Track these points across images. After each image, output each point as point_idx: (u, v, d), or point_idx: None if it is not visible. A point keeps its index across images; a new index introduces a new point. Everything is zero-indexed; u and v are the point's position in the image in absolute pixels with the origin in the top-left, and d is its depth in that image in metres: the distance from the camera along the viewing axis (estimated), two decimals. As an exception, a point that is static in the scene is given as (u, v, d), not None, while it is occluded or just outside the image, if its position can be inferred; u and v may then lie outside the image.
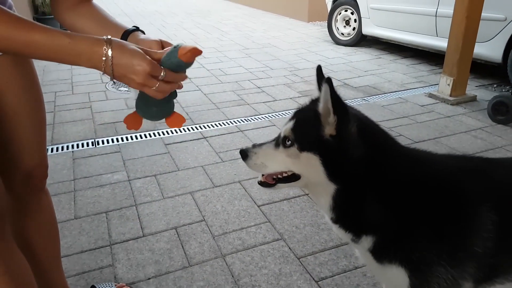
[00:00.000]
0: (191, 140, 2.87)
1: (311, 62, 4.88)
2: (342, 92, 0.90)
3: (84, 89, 3.90)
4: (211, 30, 6.95)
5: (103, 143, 2.82)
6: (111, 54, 0.78)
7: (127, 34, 0.99)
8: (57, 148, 2.74)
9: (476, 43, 3.50)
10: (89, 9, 1.02)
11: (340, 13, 5.68)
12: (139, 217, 2.03)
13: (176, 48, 0.84)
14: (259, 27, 7.19)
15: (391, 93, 3.84)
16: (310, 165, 0.92)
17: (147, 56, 0.81)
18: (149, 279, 1.65)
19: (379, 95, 3.79)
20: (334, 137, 0.89)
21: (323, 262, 1.73)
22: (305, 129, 0.94)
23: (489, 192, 0.96)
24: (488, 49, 3.86)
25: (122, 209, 2.10)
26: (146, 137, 2.90)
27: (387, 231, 0.95)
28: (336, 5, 5.70)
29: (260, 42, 5.99)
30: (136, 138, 2.88)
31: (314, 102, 0.96)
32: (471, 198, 0.95)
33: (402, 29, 4.81)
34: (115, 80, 0.82)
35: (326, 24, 5.99)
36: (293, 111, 1.03)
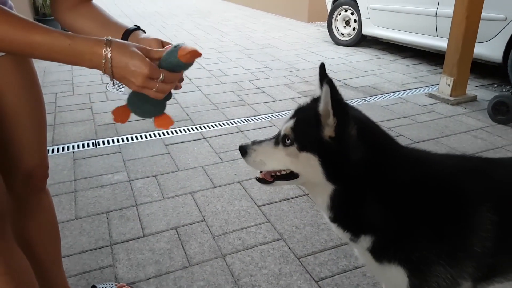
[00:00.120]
0: (191, 141, 2.87)
1: (311, 63, 4.89)
2: (342, 93, 0.90)
3: (84, 90, 3.91)
4: (211, 31, 6.95)
5: (103, 143, 2.83)
6: (111, 55, 0.78)
7: (128, 33, 0.99)
8: (58, 149, 2.74)
9: (476, 43, 3.50)
10: (89, 9, 1.02)
11: (340, 13, 5.69)
12: (139, 217, 2.04)
13: (176, 48, 0.84)
14: (259, 28, 7.20)
15: (391, 93, 3.85)
16: (309, 165, 0.93)
17: (147, 59, 0.81)
18: (149, 279, 1.65)
19: (379, 95, 3.79)
20: (333, 139, 0.89)
21: (323, 262, 1.73)
22: (305, 129, 0.94)
23: (488, 192, 0.96)
24: (488, 49, 3.86)
25: (122, 209, 2.10)
26: (146, 137, 2.91)
27: (387, 231, 0.95)
28: (336, 5, 5.70)
29: (260, 42, 5.99)
30: (137, 139, 2.89)
31: (315, 101, 0.96)
32: (470, 198, 0.95)
33: (402, 29, 4.81)
34: (115, 81, 0.83)
35: (326, 24, 5.99)
36: (294, 109, 1.03)
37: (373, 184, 0.93)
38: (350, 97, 3.72)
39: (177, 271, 1.69)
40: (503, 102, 3.06)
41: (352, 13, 5.53)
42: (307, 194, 2.20)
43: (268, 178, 1.02)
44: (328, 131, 0.89)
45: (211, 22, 7.82)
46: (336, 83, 0.87)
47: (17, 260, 0.98)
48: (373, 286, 1.60)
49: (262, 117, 3.28)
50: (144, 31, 1.02)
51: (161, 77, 0.82)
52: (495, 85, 4.04)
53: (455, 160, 1.08)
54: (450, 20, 3.50)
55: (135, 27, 1.01)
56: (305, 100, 1.03)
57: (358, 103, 3.58)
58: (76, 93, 3.82)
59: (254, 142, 1.02)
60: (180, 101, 3.59)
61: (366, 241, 0.97)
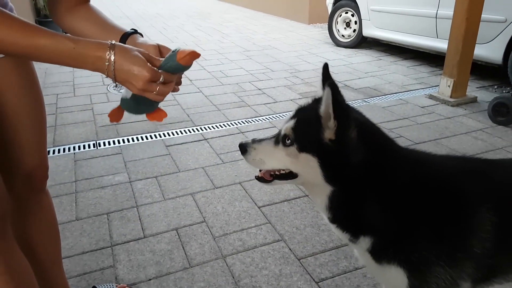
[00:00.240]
0: (192, 142, 2.87)
1: (311, 64, 4.89)
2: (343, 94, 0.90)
3: (85, 91, 3.92)
4: (212, 32, 6.97)
5: (104, 144, 2.83)
6: (114, 59, 0.80)
7: (126, 36, 1.00)
8: (59, 150, 2.75)
9: (476, 44, 3.50)
10: (87, 11, 1.03)
11: (341, 15, 5.70)
12: (140, 219, 2.04)
13: (175, 52, 0.86)
14: (259, 29, 7.21)
15: (391, 95, 3.85)
16: (308, 166, 0.93)
17: (148, 64, 0.83)
18: (150, 280, 1.65)
19: (380, 97, 3.79)
20: (333, 141, 0.89)
21: (324, 263, 1.73)
22: (305, 130, 0.94)
23: (488, 193, 0.96)
24: (489, 50, 3.87)
25: (123, 210, 2.10)
26: (147, 138, 2.91)
27: (386, 231, 0.95)
28: (336, 7, 5.71)
29: (260, 44, 6.00)
30: (137, 140, 2.89)
31: (317, 101, 0.96)
32: (470, 199, 0.95)
33: (402, 30, 4.82)
34: (117, 83, 0.84)
35: (327, 26, 6.01)
36: (295, 109, 1.03)
37: (373, 186, 0.93)
38: (351, 99, 3.72)
39: (177, 272, 1.69)
40: (503, 103, 3.06)
41: (352, 15, 5.53)
42: (307, 195, 2.21)
43: (267, 177, 1.02)
44: (329, 133, 0.89)
45: (212, 24, 7.83)
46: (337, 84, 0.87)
47: (17, 260, 0.98)
48: (373, 287, 1.60)
49: (262, 118, 3.29)
50: (141, 35, 1.03)
51: (161, 79, 0.84)
52: (495, 87, 4.04)
53: (455, 161, 1.08)
54: (450, 22, 3.51)
55: (133, 30, 1.02)
56: (305, 101, 1.03)
57: (358, 105, 3.59)
58: (77, 94, 3.83)
59: (254, 141, 1.02)
60: (181, 102, 3.60)
61: (365, 242, 0.97)
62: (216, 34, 6.79)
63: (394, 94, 3.86)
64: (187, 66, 0.87)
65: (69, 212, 2.09)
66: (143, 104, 0.92)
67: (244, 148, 1.01)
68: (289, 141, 0.95)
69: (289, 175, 0.99)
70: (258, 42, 6.11)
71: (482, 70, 4.25)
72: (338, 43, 5.82)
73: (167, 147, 2.79)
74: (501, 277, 1.01)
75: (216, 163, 2.58)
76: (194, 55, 0.85)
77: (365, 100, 3.71)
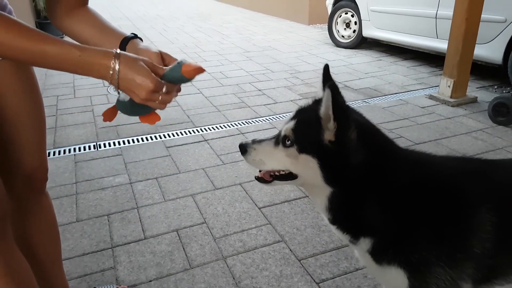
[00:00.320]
0: (192, 143, 2.88)
1: (311, 65, 4.89)
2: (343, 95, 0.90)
3: (86, 92, 3.92)
4: (212, 33, 6.97)
5: (104, 146, 2.84)
6: (119, 68, 0.80)
7: (126, 41, 0.99)
8: (59, 152, 2.75)
9: (476, 44, 3.50)
10: (86, 14, 1.03)
11: (341, 15, 5.70)
12: (140, 220, 2.04)
13: (180, 64, 0.86)
14: (259, 30, 7.21)
15: (391, 95, 3.85)
16: (308, 167, 0.93)
17: (152, 74, 0.83)
18: (150, 281, 1.65)
19: (380, 97, 3.79)
20: (333, 143, 0.89)
21: (324, 264, 1.73)
22: (305, 131, 0.94)
23: (488, 193, 0.96)
24: (489, 50, 3.87)
25: (123, 211, 2.11)
26: (147, 140, 2.92)
27: (386, 232, 0.95)
28: (336, 7, 5.71)
29: (260, 45, 6.01)
30: (138, 141, 2.90)
31: (317, 103, 0.96)
32: (470, 199, 0.95)
33: (402, 31, 4.82)
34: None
35: (327, 26, 6.01)
36: (295, 109, 1.03)
37: (373, 187, 0.93)
38: (351, 99, 3.72)
39: (178, 273, 1.69)
40: (503, 103, 3.06)
41: (352, 16, 5.54)
42: (307, 196, 2.21)
43: (267, 178, 1.02)
44: (328, 135, 0.89)
45: (212, 25, 7.84)
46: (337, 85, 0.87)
47: (17, 261, 0.99)
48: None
49: (262, 119, 3.29)
50: (141, 39, 1.03)
51: (164, 90, 0.84)
52: (495, 87, 4.04)
53: (455, 162, 1.08)
54: (450, 22, 3.51)
55: (133, 35, 1.02)
56: (305, 102, 1.03)
57: (358, 105, 3.59)
58: (78, 96, 3.84)
59: (254, 141, 1.02)
60: (181, 103, 3.60)
61: (365, 243, 0.97)
62: (216, 35, 6.80)
63: (394, 95, 3.86)
64: (190, 79, 0.88)
65: (69, 213, 2.09)
66: (140, 107, 0.93)
67: (244, 149, 1.01)
68: (289, 142, 0.95)
69: (289, 176, 0.99)
70: (258, 43, 6.11)
71: (482, 70, 4.25)
72: (338, 44, 5.82)
73: (167, 148, 2.79)
74: (502, 278, 1.01)
75: (217, 164, 2.58)
76: (200, 71, 0.86)
77: (365, 100, 3.71)
